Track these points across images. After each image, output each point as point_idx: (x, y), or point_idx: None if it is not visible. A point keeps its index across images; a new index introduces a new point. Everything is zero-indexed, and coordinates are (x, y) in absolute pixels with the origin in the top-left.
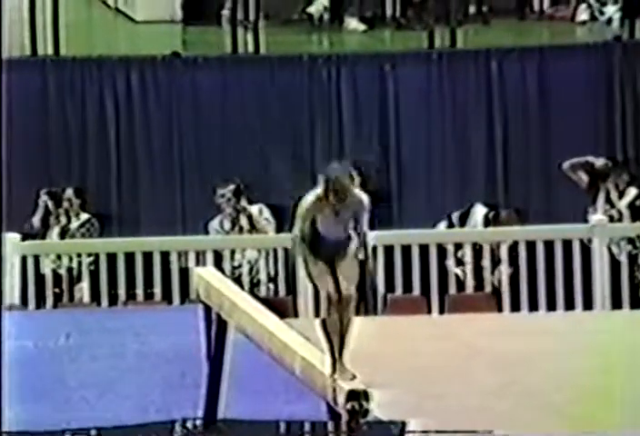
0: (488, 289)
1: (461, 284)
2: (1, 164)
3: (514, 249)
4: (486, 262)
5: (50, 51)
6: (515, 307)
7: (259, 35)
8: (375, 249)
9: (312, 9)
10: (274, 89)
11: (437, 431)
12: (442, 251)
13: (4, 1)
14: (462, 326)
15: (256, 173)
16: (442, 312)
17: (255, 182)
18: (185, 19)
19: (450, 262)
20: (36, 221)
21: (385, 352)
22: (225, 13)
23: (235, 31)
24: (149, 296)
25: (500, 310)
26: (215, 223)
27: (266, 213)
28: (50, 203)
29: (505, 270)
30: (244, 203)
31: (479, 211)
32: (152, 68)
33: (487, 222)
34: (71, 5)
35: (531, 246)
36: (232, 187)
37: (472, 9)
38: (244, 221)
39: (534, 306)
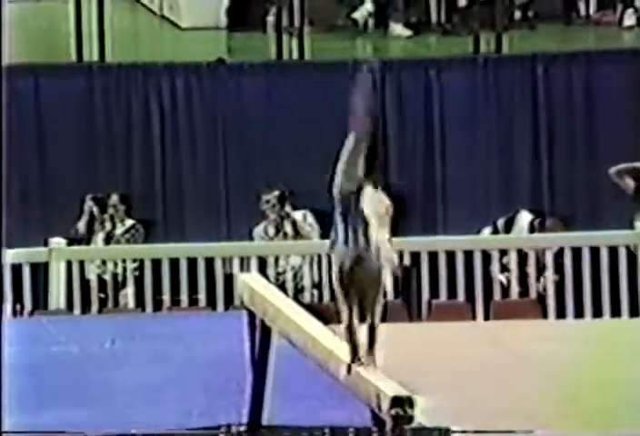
0: (533, 295)
1: (505, 291)
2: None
3: (559, 255)
4: (531, 269)
5: (96, 57)
6: (561, 314)
7: (304, 41)
8: (418, 255)
9: (357, 15)
10: (318, 95)
11: (476, 432)
12: (486, 257)
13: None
14: (507, 332)
15: (301, 179)
16: (487, 318)
17: (299, 188)
18: (229, 25)
19: (495, 269)
20: (82, 226)
21: (430, 358)
22: (270, 19)
23: (279, 37)
24: (193, 302)
25: (545, 316)
26: (259, 229)
27: (310, 218)
28: (95, 209)
29: (550, 276)
30: (288, 209)
31: (524, 217)
32: (197, 74)
33: (532, 228)
34: (117, 12)
35: (577, 253)
36: (276, 193)
37: (517, 14)
38: (288, 227)
39: (579, 313)
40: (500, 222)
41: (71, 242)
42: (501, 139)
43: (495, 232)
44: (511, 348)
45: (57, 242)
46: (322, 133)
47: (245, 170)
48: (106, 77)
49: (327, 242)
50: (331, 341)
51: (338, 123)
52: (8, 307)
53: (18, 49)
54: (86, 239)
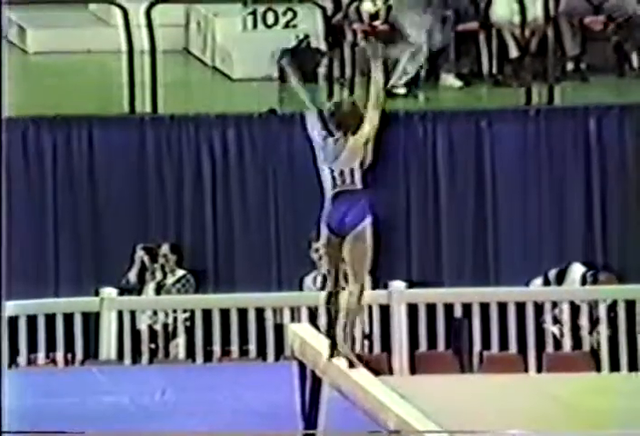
0: (586, 348)
1: (558, 343)
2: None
3: (612, 308)
4: (584, 322)
5: (148, 108)
6: (615, 367)
7: (355, 92)
8: (470, 306)
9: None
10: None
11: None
12: (538, 308)
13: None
14: (560, 385)
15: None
16: (539, 370)
17: None
18: (281, 76)
19: (547, 321)
20: (133, 276)
21: (482, 410)
22: (322, 70)
23: (331, 88)
24: (244, 353)
25: (599, 369)
26: (309, 279)
27: None
28: (146, 259)
29: (603, 329)
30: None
31: (577, 270)
32: (248, 125)
33: (585, 281)
34: (169, 64)
35: (630, 306)
36: None
37: (569, 66)
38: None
39: (633, 366)
40: (552, 274)
41: (122, 291)
42: (553, 191)
43: (547, 283)
44: (564, 401)
45: (108, 291)
46: (372, 182)
47: (295, 220)
48: (158, 128)
49: (380, 292)
50: (381, 392)
51: (389, 173)
52: (60, 356)
53: (71, 100)
54: (137, 289)
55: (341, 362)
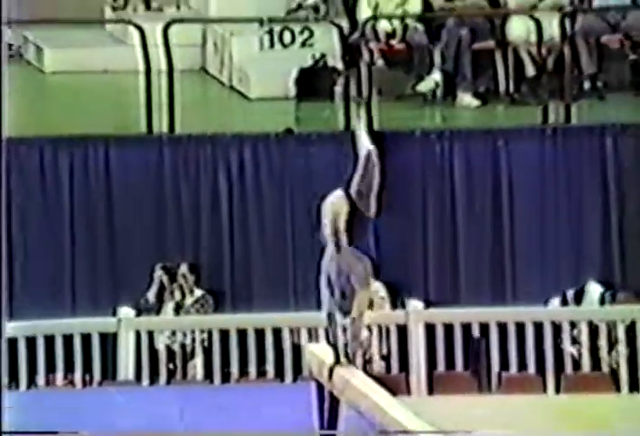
0: (605, 369)
1: (577, 363)
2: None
3: (631, 329)
4: (603, 342)
5: (165, 129)
6: (634, 387)
7: (372, 111)
8: (487, 326)
9: (424, 84)
10: (387, 164)
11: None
12: (557, 329)
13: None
14: (579, 406)
15: (378, 251)
16: (558, 391)
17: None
18: (298, 96)
19: (565, 341)
20: (151, 296)
21: (501, 432)
22: (338, 89)
23: (347, 107)
24: (262, 373)
25: (618, 390)
26: None
27: (383, 291)
28: (165, 279)
29: (622, 350)
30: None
31: (595, 289)
32: (265, 145)
33: (603, 301)
34: (186, 84)
35: None
36: None
37: (586, 84)
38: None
39: None
40: (570, 294)
41: (139, 311)
42: (570, 209)
43: (565, 303)
44: (583, 422)
45: (126, 312)
46: (389, 202)
47: (313, 240)
48: (175, 148)
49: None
50: (399, 412)
51: (406, 192)
52: (78, 377)
53: (88, 120)
54: (156, 309)
55: (359, 382)
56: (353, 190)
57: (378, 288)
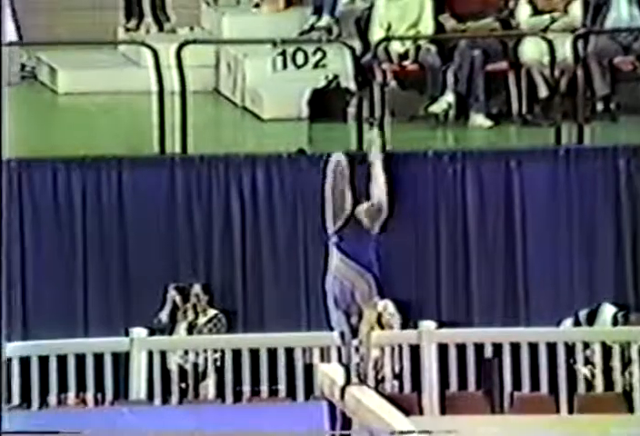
0: (618, 389)
1: (590, 384)
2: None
3: None
4: (616, 363)
5: (178, 149)
6: None
7: (385, 132)
8: (500, 346)
9: (437, 106)
10: (399, 185)
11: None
12: (569, 349)
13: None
14: (592, 427)
15: (381, 267)
16: (570, 411)
17: (380, 277)
18: (311, 116)
19: (578, 361)
20: (164, 316)
21: None
22: (351, 110)
23: (360, 127)
24: (273, 393)
25: (631, 410)
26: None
27: (391, 308)
28: (178, 299)
29: (635, 370)
30: (376, 299)
31: (608, 310)
32: (278, 166)
33: (616, 322)
34: (199, 105)
35: None
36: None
37: (599, 106)
38: (373, 317)
39: None
40: (582, 314)
41: (152, 331)
42: (583, 230)
43: (577, 323)
44: None
45: (138, 331)
46: (401, 222)
47: (324, 260)
48: (188, 169)
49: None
50: (412, 432)
51: (419, 213)
52: (90, 396)
53: (101, 141)
54: (169, 328)
55: (371, 402)
56: (327, 201)
57: (387, 305)
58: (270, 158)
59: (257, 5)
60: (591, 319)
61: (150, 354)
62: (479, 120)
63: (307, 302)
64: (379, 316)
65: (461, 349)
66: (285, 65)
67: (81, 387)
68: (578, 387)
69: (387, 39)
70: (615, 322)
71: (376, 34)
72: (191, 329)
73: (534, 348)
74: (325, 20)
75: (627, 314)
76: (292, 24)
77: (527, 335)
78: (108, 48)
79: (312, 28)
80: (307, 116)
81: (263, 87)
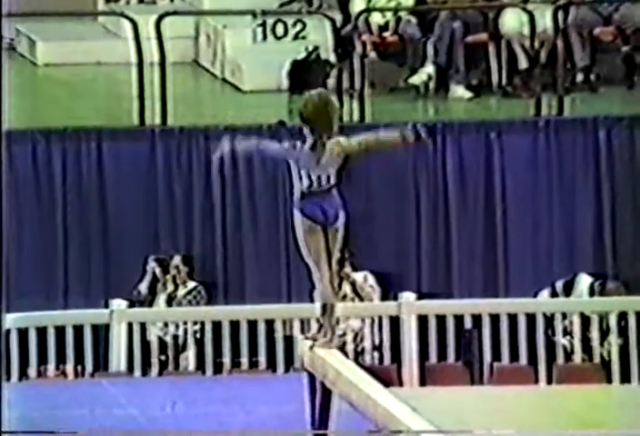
0: (597, 360)
1: (568, 354)
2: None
3: (623, 319)
4: (594, 333)
5: (158, 121)
6: (625, 378)
7: (365, 104)
8: (480, 317)
9: (417, 77)
10: (378, 157)
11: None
12: (548, 320)
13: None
14: (571, 397)
15: (362, 240)
16: (549, 382)
17: (359, 249)
18: (291, 88)
19: (557, 332)
20: (144, 288)
21: (493, 424)
22: (331, 81)
23: (340, 99)
24: (254, 364)
25: (609, 381)
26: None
27: (371, 280)
28: (158, 270)
29: (613, 340)
30: (348, 269)
31: (584, 280)
32: (258, 137)
33: (592, 292)
34: (178, 77)
35: None
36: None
37: (579, 77)
38: (347, 288)
39: None
40: (559, 285)
41: (132, 303)
42: (562, 201)
43: (554, 294)
44: (576, 413)
45: (118, 303)
46: (382, 195)
47: None
48: (168, 140)
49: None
50: (391, 403)
51: (398, 185)
52: (70, 368)
53: (81, 112)
54: (149, 300)
55: (351, 373)
56: None
57: (367, 277)
58: (250, 130)
59: None
60: (568, 289)
61: (130, 326)
62: (459, 91)
63: (288, 273)
64: (355, 287)
65: (441, 320)
66: (264, 37)
67: (61, 359)
68: (557, 357)
69: (368, 10)
70: (591, 292)
71: (357, 5)
72: (170, 301)
73: (513, 319)
74: None
75: (603, 284)
76: None
77: (507, 306)
78: (88, 19)
79: None
80: (287, 88)
81: (243, 59)
